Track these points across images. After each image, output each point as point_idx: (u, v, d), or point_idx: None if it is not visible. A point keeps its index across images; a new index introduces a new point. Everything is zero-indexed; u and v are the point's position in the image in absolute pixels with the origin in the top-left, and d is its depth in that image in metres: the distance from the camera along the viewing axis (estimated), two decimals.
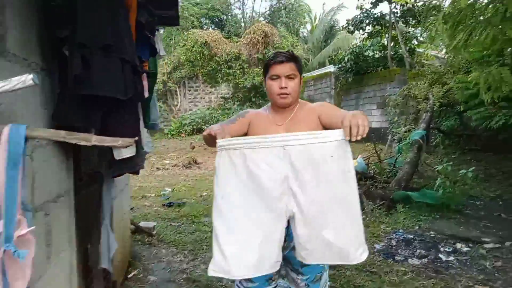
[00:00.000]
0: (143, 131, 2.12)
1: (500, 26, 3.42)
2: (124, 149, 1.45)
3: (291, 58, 1.61)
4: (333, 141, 1.34)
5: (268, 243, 1.37)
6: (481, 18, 3.82)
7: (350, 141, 1.33)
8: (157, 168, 8.82)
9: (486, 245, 3.62)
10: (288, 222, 1.40)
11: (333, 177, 1.34)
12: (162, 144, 13.33)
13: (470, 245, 3.66)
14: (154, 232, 4.08)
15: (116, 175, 1.88)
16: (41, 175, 1.35)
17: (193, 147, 11.60)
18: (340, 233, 1.34)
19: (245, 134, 1.67)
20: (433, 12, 4.31)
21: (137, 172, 2.00)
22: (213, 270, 1.38)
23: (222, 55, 13.11)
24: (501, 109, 5.48)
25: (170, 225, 4.50)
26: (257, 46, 13.41)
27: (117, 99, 1.47)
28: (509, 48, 4.31)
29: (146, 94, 1.99)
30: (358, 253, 1.37)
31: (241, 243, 1.35)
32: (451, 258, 3.39)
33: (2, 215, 0.95)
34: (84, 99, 1.42)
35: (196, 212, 4.97)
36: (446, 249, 3.58)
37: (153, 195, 6.16)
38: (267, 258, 1.37)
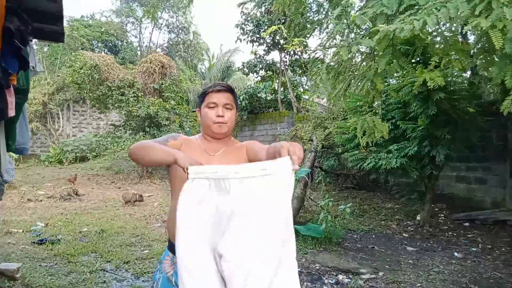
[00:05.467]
0: (4, 155, 1.81)
1: (372, 80, 4.00)
2: None
3: (229, 89, 1.61)
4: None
5: None
6: (356, 73, 4.43)
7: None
8: (28, 200, 7.65)
9: (363, 276, 3.98)
10: None
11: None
12: (37, 173, 11.74)
13: (350, 276, 3.99)
14: (18, 275, 3.47)
15: None
16: None
17: (75, 179, 9.93)
18: None
19: None
20: (318, 62, 4.85)
21: None
22: None
23: (115, 80, 12.36)
24: (372, 152, 6.30)
25: (40, 265, 3.88)
26: (154, 76, 13.06)
27: None
28: (380, 100, 5.08)
29: (12, 113, 1.70)
30: None
31: None
32: None
33: None
34: None
35: (73, 251, 4.40)
36: (330, 281, 3.83)
37: (20, 230, 5.28)
38: None
